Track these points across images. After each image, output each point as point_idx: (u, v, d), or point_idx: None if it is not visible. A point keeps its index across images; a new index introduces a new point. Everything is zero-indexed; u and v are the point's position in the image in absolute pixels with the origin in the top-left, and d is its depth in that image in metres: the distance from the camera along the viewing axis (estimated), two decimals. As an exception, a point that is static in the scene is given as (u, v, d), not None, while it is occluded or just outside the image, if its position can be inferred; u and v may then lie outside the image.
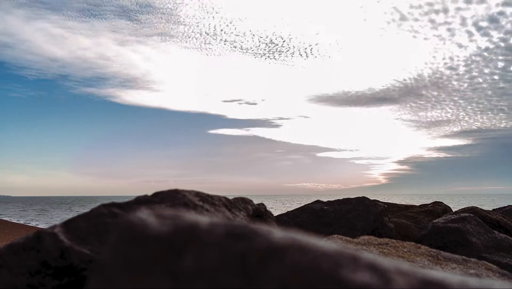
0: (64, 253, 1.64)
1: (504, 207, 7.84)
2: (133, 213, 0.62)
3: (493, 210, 7.29)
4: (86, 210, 1.88)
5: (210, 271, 0.52)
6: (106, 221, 1.78)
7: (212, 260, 0.53)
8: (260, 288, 0.49)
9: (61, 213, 40.95)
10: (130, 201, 1.93)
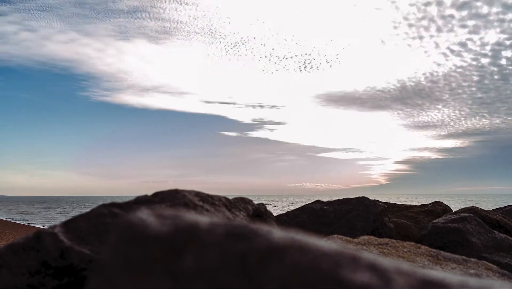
0: (64, 253, 1.64)
1: (504, 207, 7.84)
2: (133, 213, 0.62)
3: (493, 210, 7.29)
4: (86, 210, 1.88)
5: (210, 271, 0.52)
6: (106, 221, 1.78)
7: (212, 260, 0.53)
8: (260, 288, 0.49)
9: (61, 213, 40.92)
10: (130, 201, 1.93)
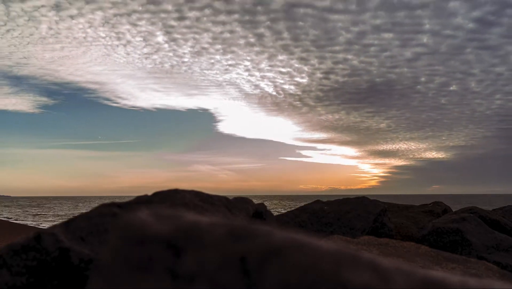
0: (64, 253, 1.64)
1: (504, 207, 7.84)
2: (133, 213, 0.62)
3: (493, 210, 7.29)
4: (86, 210, 1.88)
5: (210, 271, 0.52)
6: (106, 221, 1.78)
7: (212, 260, 0.53)
8: (260, 288, 0.49)
9: (62, 213, 40.93)
10: (130, 201, 1.93)
